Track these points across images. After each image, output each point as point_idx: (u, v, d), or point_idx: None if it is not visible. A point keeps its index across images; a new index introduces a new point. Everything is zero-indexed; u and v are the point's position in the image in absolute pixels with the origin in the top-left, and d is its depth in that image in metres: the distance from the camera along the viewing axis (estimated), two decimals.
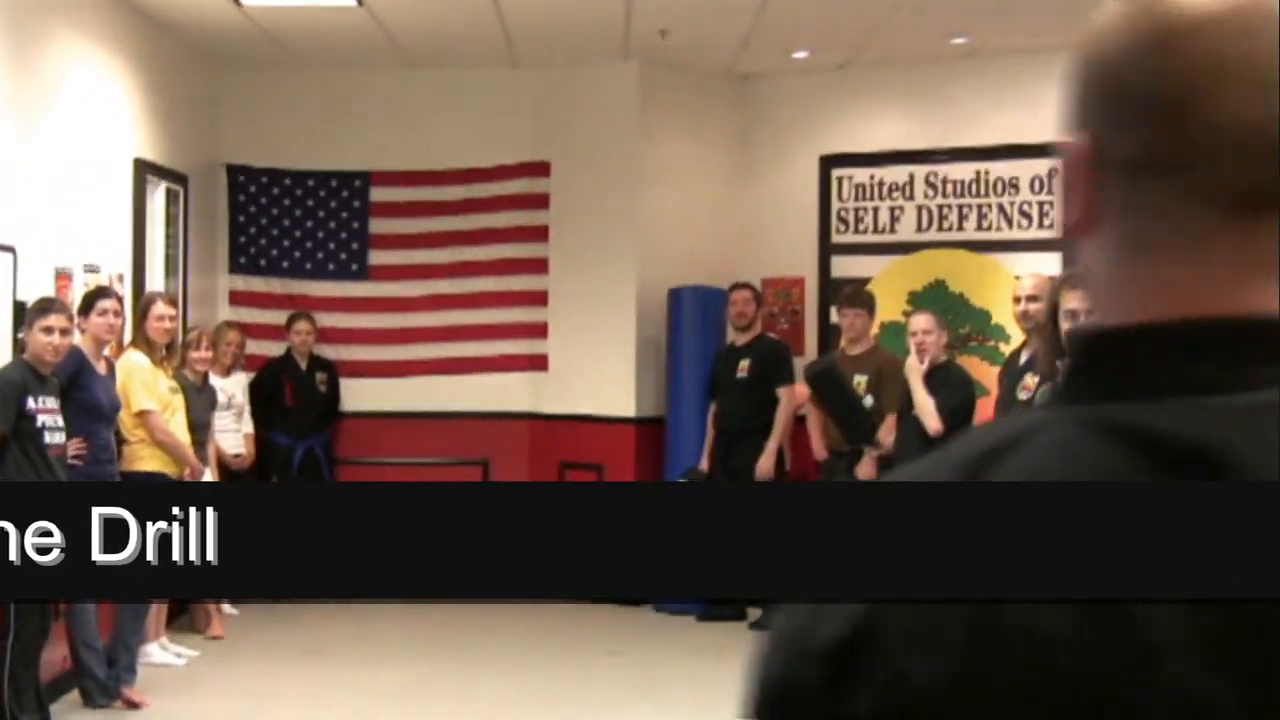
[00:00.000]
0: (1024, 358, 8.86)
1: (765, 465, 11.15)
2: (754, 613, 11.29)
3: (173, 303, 9.68)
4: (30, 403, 7.59)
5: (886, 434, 10.13)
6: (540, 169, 12.56)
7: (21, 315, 8.16)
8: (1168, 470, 1.05)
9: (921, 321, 9.71)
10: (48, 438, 7.68)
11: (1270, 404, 1.06)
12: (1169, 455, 1.05)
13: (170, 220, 11.29)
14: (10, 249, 8.28)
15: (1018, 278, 9.35)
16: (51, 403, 7.76)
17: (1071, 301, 6.22)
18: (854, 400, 10.38)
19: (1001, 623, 1.02)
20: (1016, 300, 8.88)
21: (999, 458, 1.09)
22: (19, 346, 8.08)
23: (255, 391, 11.75)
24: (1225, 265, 1.12)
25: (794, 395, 11.13)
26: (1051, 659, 1.00)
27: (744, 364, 11.43)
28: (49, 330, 7.72)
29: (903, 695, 1.03)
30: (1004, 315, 9.32)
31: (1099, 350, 1.16)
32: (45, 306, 7.92)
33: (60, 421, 7.80)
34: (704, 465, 11.61)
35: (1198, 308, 1.12)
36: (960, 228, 12.02)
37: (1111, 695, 0.99)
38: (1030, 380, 8.64)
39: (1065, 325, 6.25)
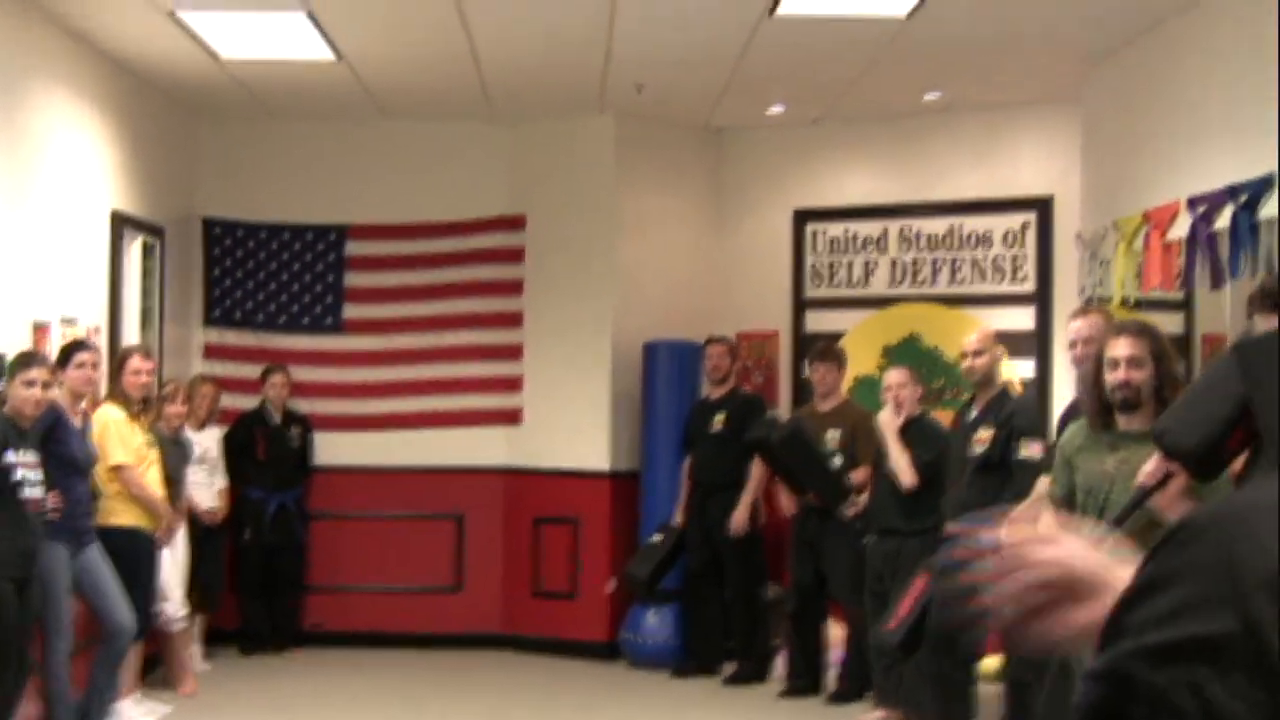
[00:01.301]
0: (973, 413, 8.90)
1: (739, 519, 11.15)
2: (727, 668, 11.29)
3: (149, 356, 9.67)
4: (9, 455, 7.57)
5: (858, 488, 10.15)
6: (516, 222, 12.59)
7: (0, 368, 8.15)
8: None
9: (896, 376, 9.76)
10: (26, 491, 7.65)
11: None
12: None
13: (146, 273, 11.28)
14: None
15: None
16: (30, 456, 7.75)
17: (1119, 349, 6.17)
18: (824, 461, 10.38)
19: None
20: (963, 355, 8.94)
21: None
22: None
23: (228, 445, 11.72)
24: None
25: None
26: None
27: (719, 418, 11.44)
28: (30, 383, 7.71)
29: None
30: (1001, 368, 9.35)
31: None
32: (27, 360, 7.91)
33: (39, 475, 7.78)
34: (679, 519, 11.61)
35: None
36: (933, 282, 12.08)
37: None
38: (984, 434, 8.68)
39: (1109, 374, 6.19)
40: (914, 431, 9.48)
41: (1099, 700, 1.21)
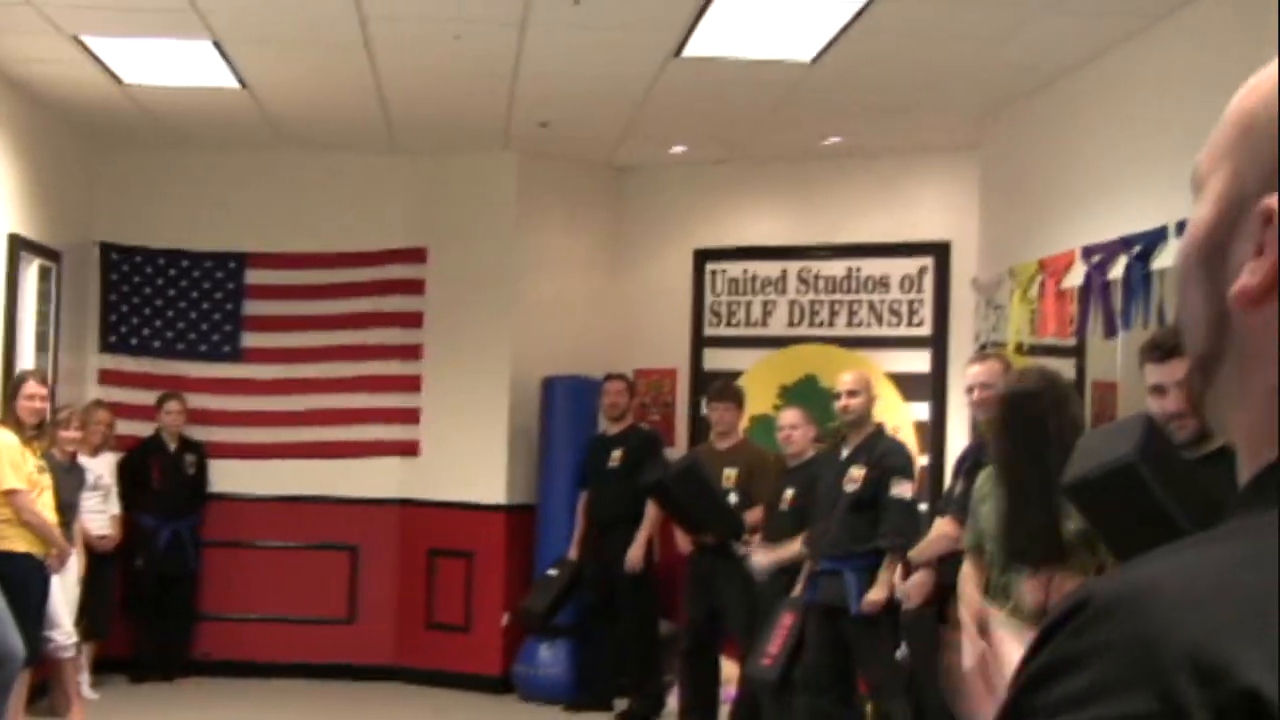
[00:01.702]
0: (845, 451, 9.01)
1: (635, 556, 11.18)
2: (620, 703, 11.31)
3: (44, 382, 9.60)
4: None
5: (752, 527, 10.20)
6: (417, 255, 12.58)
7: None
8: None
9: (789, 416, 9.85)
10: None
11: None
12: None
13: (43, 297, 11.18)
14: None
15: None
16: None
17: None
18: (720, 495, 10.43)
19: None
20: (837, 395, 9.03)
21: None
22: None
23: (122, 472, 11.64)
24: None
25: None
26: None
27: (616, 454, 11.48)
28: None
29: None
30: (875, 410, 9.44)
31: None
32: None
33: None
34: (573, 554, 11.64)
35: None
36: (831, 323, 12.18)
37: None
38: (856, 472, 8.78)
39: None
40: (804, 472, 9.55)
41: None
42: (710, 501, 10.33)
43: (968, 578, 6.53)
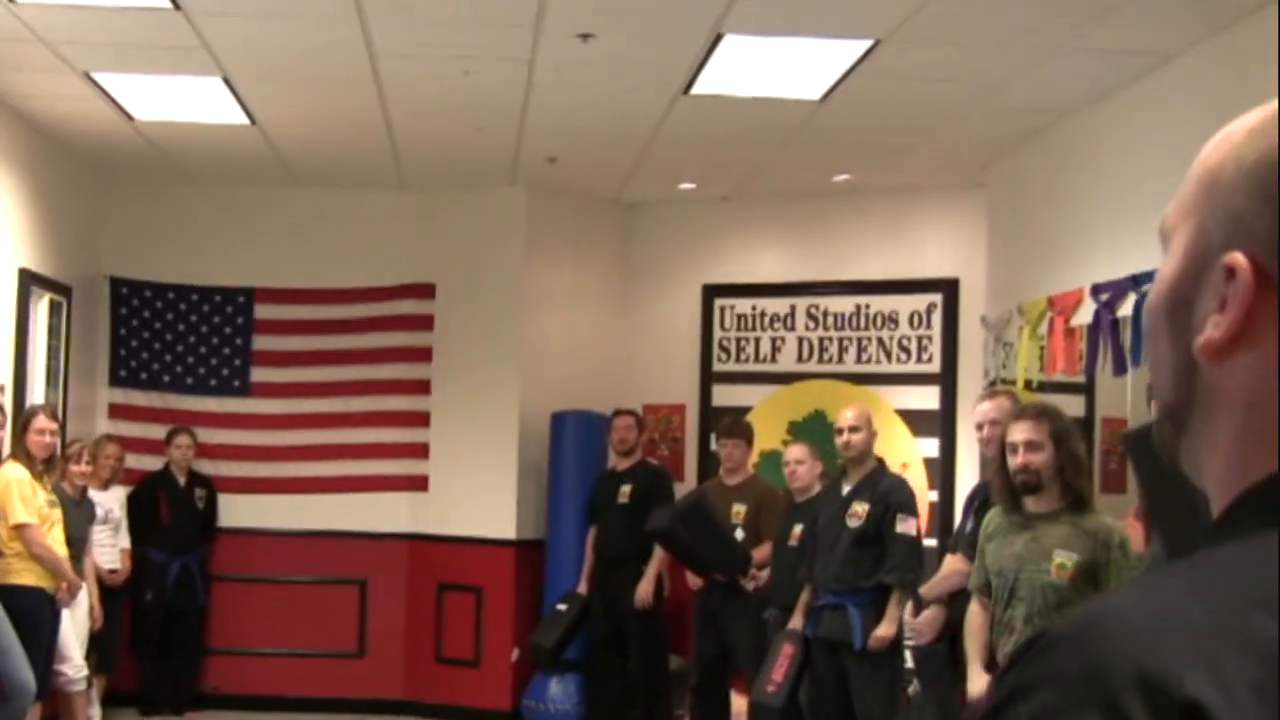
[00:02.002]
0: (846, 487, 9.02)
1: (644, 592, 11.18)
2: None
3: (54, 416, 9.62)
4: None
5: (759, 563, 10.20)
6: (425, 291, 12.61)
7: None
8: None
9: (795, 452, 9.87)
10: None
11: None
12: None
13: (53, 331, 11.21)
14: None
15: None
16: None
17: (1017, 434, 6.35)
18: (726, 530, 10.44)
19: None
20: (839, 431, 9.04)
21: None
22: None
23: (131, 506, 11.66)
24: None
25: None
26: None
27: (625, 489, 11.48)
28: None
29: None
30: (882, 446, 9.46)
31: None
32: None
33: None
34: (583, 589, 11.64)
35: None
36: (840, 360, 12.20)
37: None
38: (859, 508, 8.79)
39: (1010, 459, 6.36)
40: (810, 507, 9.55)
41: None
42: (717, 536, 10.34)
43: (975, 615, 6.62)
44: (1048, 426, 6.36)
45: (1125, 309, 7.96)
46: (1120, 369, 8.06)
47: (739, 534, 10.44)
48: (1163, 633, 1.13)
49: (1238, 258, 1.23)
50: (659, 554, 11.18)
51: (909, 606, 8.56)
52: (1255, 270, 1.23)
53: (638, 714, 11.37)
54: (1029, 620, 6.21)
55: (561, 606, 11.62)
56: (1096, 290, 8.35)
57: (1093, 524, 6.28)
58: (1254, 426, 1.25)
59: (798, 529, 9.55)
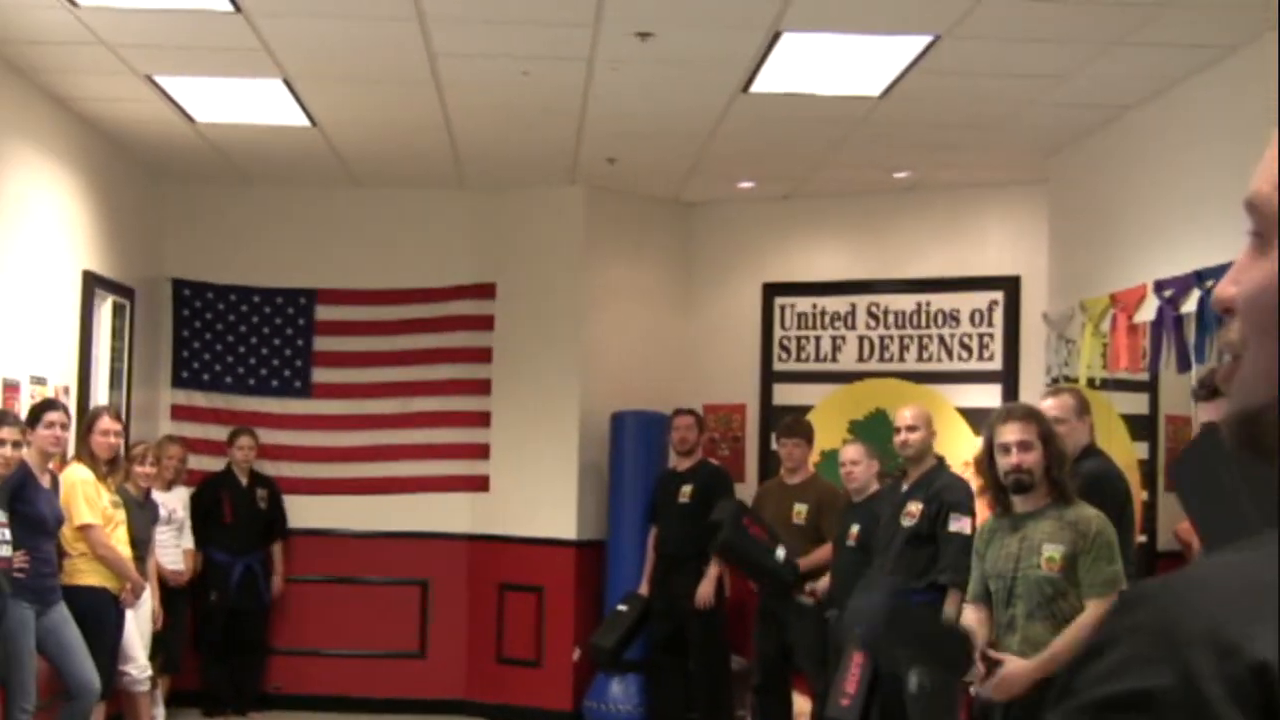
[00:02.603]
0: (905, 485, 8.98)
1: (705, 592, 11.16)
2: None
3: (118, 417, 9.67)
4: None
5: (819, 560, 10.15)
6: (485, 290, 12.62)
7: None
8: None
9: (850, 453, 9.83)
10: None
11: None
12: None
13: (116, 333, 11.29)
14: None
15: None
16: None
17: (1009, 435, 6.43)
18: (761, 559, 10.40)
19: None
20: (897, 430, 9.00)
21: None
22: None
23: (194, 507, 11.72)
24: None
25: None
26: None
27: (686, 489, 11.45)
28: (0, 442, 7.71)
29: None
30: (942, 445, 9.40)
31: None
32: None
33: (6, 534, 7.78)
34: (644, 590, 11.62)
35: None
36: (901, 358, 12.15)
37: None
38: (914, 507, 8.75)
39: (1001, 459, 6.45)
40: (865, 509, 9.51)
41: None
42: (754, 567, 10.36)
43: (969, 615, 6.76)
44: (1036, 427, 6.49)
45: (1189, 305, 7.90)
46: (1184, 366, 8.00)
47: (780, 553, 10.35)
48: (1236, 596, 1.19)
49: None
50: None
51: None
52: None
53: (698, 714, 11.35)
54: (1030, 616, 6.34)
55: (622, 607, 11.61)
56: (1160, 286, 8.29)
57: (1073, 515, 6.41)
58: None
59: (855, 529, 9.51)
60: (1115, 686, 1.21)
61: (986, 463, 6.58)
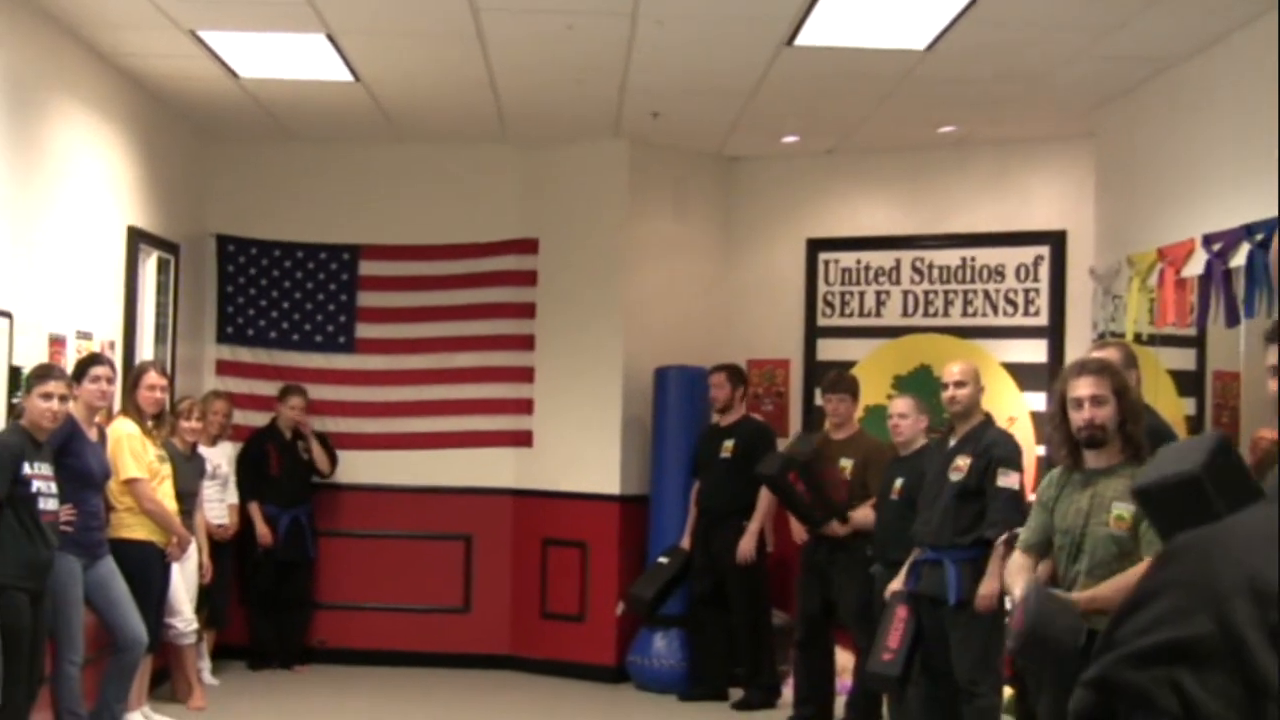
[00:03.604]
0: (953, 440, 8.93)
1: (746, 547, 11.16)
2: (735, 693, 11.30)
3: (164, 373, 9.69)
4: (26, 468, 7.60)
5: (863, 520, 10.12)
6: (528, 246, 12.62)
7: (17, 380, 8.19)
8: None
9: (899, 405, 9.77)
10: (41, 504, 7.67)
11: None
12: None
13: (161, 289, 11.33)
14: (7, 314, 8.31)
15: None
16: (46, 469, 7.77)
17: (1082, 389, 6.36)
18: (797, 506, 10.40)
19: None
20: (945, 386, 8.95)
21: None
22: (14, 412, 8.09)
23: (242, 462, 11.77)
24: None
25: None
26: None
27: (728, 445, 11.45)
28: (48, 396, 7.74)
29: None
30: (988, 400, 9.36)
31: None
32: (45, 373, 7.94)
33: (54, 488, 7.81)
34: (685, 544, 11.63)
35: None
36: (946, 313, 12.11)
37: None
38: (961, 462, 8.70)
39: (1074, 414, 6.38)
40: (911, 463, 9.47)
41: (1089, 704, 1.40)
42: (795, 504, 10.34)
43: (1016, 559, 6.72)
44: (1110, 381, 6.41)
45: (1238, 259, 7.84)
46: (1233, 320, 7.95)
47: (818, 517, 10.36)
48: (1272, 547, 1.25)
49: None
50: (762, 509, 11.17)
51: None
52: None
53: (741, 669, 11.36)
54: (1090, 573, 6.31)
55: (663, 560, 11.62)
56: (1208, 240, 8.23)
57: None
58: None
59: (899, 483, 9.47)
60: (1157, 637, 1.27)
61: (1059, 418, 6.52)
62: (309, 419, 12.28)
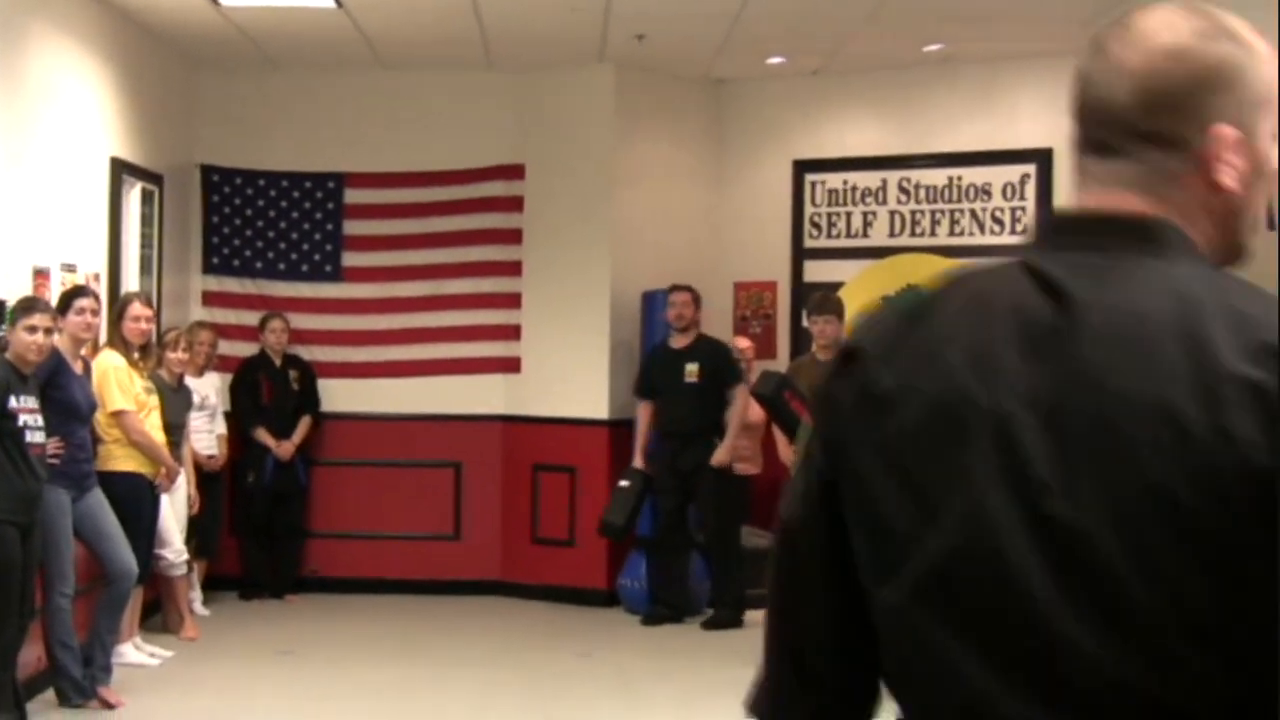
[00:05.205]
0: None
1: (724, 452, 11.25)
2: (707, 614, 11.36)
3: (149, 304, 9.68)
4: (12, 402, 7.58)
5: None
6: (515, 172, 12.57)
7: (1, 314, 8.16)
8: (1043, 291, 1.75)
9: None
10: (29, 437, 7.67)
11: (1089, 261, 1.76)
12: (1043, 283, 1.76)
13: (145, 220, 11.28)
14: None
15: None
16: (32, 402, 7.76)
17: None
18: (793, 425, 10.41)
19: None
20: None
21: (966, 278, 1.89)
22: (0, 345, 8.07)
23: (234, 392, 11.78)
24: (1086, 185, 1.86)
25: (746, 396, 11.12)
26: None
27: (691, 369, 11.44)
28: (33, 329, 7.72)
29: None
30: None
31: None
32: (29, 305, 7.92)
33: (40, 421, 7.80)
34: (638, 464, 11.60)
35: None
36: (933, 233, 12.09)
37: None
38: None
39: None
40: None
41: None
42: (790, 423, 10.35)
43: None
44: None
45: None
46: None
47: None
48: None
49: None
50: (734, 426, 11.28)
51: None
52: None
53: (711, 589, 11.43)
54: None
55: (624, 483, 11.58)
56: None
57: None
58: None
59: None
60: None
61: None
62: (294, 346, 12.25)
